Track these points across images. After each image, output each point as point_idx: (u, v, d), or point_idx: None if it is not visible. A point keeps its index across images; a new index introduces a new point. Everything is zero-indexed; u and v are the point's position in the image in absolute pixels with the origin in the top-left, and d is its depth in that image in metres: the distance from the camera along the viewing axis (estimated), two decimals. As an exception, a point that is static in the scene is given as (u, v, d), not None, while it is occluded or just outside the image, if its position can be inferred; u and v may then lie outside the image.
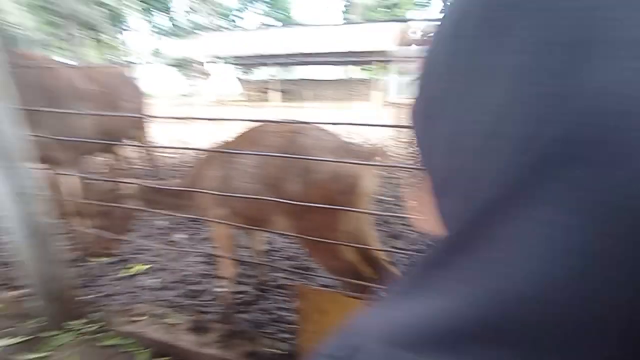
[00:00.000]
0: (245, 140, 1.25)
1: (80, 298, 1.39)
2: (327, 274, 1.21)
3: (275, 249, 2.08)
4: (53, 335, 1.27)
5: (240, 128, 1.31)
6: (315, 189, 1.03)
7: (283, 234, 1.10)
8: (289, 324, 1.36)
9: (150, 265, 1.84)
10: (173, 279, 1.71)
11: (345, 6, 34.11)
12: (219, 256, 1.23)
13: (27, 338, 1.27)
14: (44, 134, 1.29)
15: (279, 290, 1.64)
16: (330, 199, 1.02)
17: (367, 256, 1.20)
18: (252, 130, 1.27)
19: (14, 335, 1.28)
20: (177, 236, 2.24)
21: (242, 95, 25.23)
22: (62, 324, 1.31)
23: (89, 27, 17.61)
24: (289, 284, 1.68)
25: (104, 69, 2.26)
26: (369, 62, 24.16)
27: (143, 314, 1.30)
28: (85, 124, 1.65)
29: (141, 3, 22.68)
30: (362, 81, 23.18)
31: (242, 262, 1.72)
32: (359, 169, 1.08)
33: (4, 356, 1.20)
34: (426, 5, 32.46)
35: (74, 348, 1.22)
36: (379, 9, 28.89)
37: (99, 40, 19.17)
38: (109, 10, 19.71)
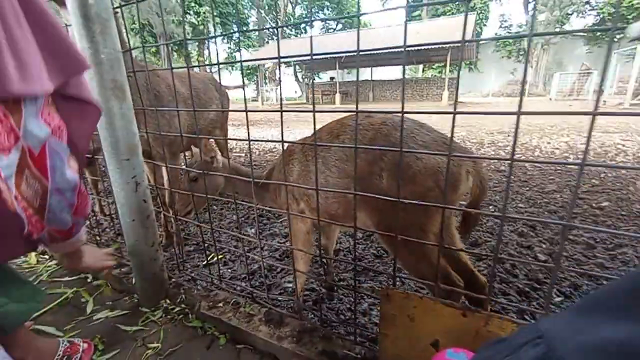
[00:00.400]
0: (330, 132, 1.21)
1: (170, 281, 1.52)
2: (412, 278, 1.12)
3: (342, 248, 2.04)
4: (145, 312, 1.41)
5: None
6: (410, 185, 0.96)
7: (361, 231, 1.05)
8: (362, 326, 1.30)
9: (224, 256, 1.95)
10: (245, 270, 1.77)
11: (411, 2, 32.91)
12: (293, 250, 1.22)
13: (125, 312, 1.43)
14: (148, 131, 1.45)
15: (348, 290, 1.58)
16: (425, 196, 0.94)
17: (456, 261, 1.07)
18: (336, 122, 1.23)
19: (114, 309, 1.46)
20: (248, 230, 2.35)
21: (304, 97, 26.02)
22: (154, 303, 1.44)
23: (178, 43, 20.38)
24: (360, 285, 1.62)
25: (194, 74, 2.48)
26: (436, 60, 22.93)
27: (221, 301, 1.36)
28: (180, 122, 1.82)
29: (219, 18, 25.19)
30: (429, 80, 22.06)
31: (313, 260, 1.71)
32: (463, 164, 0.97)
33: (107, 324, 1.36)
34: (503, -5, 29.57)
35: (162, 326, 1.33)
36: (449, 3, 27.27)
37: (184, 53, 21.69)
38: (192, 27, 22.30)
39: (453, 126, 0.74)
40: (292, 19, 33.20)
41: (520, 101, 0.64)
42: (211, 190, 1.52)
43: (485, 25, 29.30)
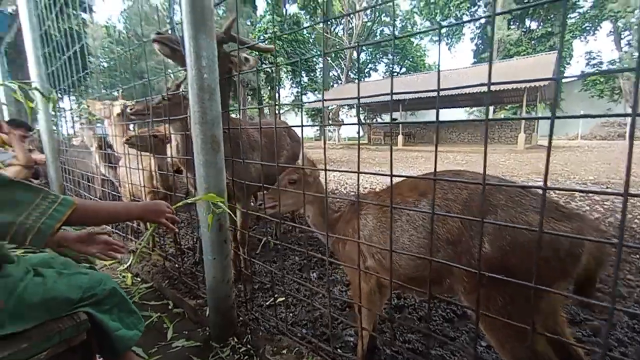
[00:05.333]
0: (414, 189, 1.13)
1: (238, 318, 1.60)
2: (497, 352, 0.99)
3: (406, 304, 1.91)
4: (215, 347, 1.49)
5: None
6: (520, 255, 0.84)
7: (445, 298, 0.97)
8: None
9: (286, 298, 1.99)
10: (307, 316, 1.77)
11: (478, 45, 32.39)
12: (357, 305, 1.19)
13: (198, 344, 1.54)
14: (229, 176, 1.65)
15: (412, 352, 1.46)
16: (537, 270, 0.82)
17: (559, 347, 0.92)
18: (421, 178, 1.17)
19: (190, 339, 1.58)
20: (311, 274, 2.37)
21: (365, 137, 26.48)
22: (223, 339, 1.52)
23: (252, 88, 23.40)
24: (427, 349, 1.48)
25: (270, 122, 2.77)
26: (508, 102, 21.61)
27: (285, 347, 1.37)
28: (255, 169, 2.03)
29: (290, 66, 28.10)
30: (500, 122, 20.71)
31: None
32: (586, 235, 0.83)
33: (183, 353, 1.47)
34: (589, 31, 27.32)
35: (228, 364, 1.39)
36: (524, 41, 26.11)
37: (259, 98, 24.41)
38: (266, 74, 25.12)
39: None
40: (356, 64, 35.22)
41: (627, 182, 0.58)
42: (298, 201, 1.42)
43: (568, 64, 27.03)
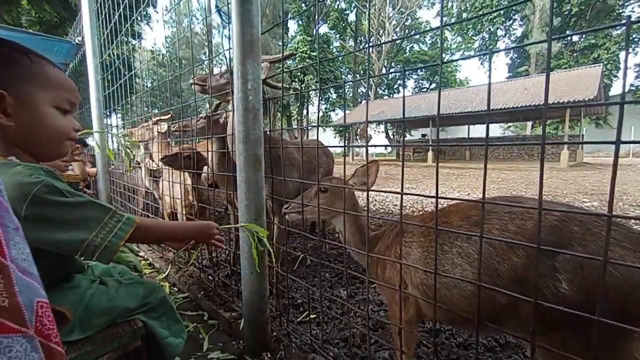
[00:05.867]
0: (465, 218, 1.04)
1: (272, 333, 1.61)
2: None
3: (443, 329, 1.82)
4: (249, 361, 1.51)
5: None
6: (604, 294, 0.73)
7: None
8: None
9: (317, 315, 1.97)
10: (338, 335, 1.74)
11: (513, 59, 31.33)
12: (393, 325, 1.15)
13: (232, 357, 1.56)
14: (268, 193, 1.70)
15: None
16: (620, 314, 0.72)
17: None
18: (473, 205, 1.08)
19: (224, 351, 1.60)
20: (341, 291, 2.34)
21: (393, 153, 26.18)
22: (257, 354, 1.54)
23: (283, 105, 24.43)
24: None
25: (307, 141, 2.86)
26: (549, 117, 20.52)
27: (317, 367, 1.36)
28: (292, 185, 2.10)
29: (319, 83, 28.82)
30: (539, 138, 19.63)
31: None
32: None
33: (217, 366, 1.50)
34: (638, 42, 25.59)
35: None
36: (566, 54, 24.89)
37: (288, 115, 25.13)
38: (295, 92, 26.03)
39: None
40: (385, 80, 35.35)
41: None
42: (328, 212, 1.39)
43: (615, 76, 25.30)
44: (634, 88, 24.62)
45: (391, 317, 1.21)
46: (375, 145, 1.06)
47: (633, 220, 4.14)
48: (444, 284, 0.99)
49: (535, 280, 0.72)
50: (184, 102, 2.34)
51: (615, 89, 26.13)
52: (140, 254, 3.08)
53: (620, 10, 24.28)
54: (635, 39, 25.59)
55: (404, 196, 0.91)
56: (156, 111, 3.36)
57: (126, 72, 2.95)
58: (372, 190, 1.08)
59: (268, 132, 1.78)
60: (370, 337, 1.70)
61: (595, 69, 15.21)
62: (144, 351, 0.94)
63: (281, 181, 2.11)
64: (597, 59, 24.04)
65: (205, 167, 2.45)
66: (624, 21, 0.56)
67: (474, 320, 0.84)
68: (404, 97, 1.00)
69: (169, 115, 3.14)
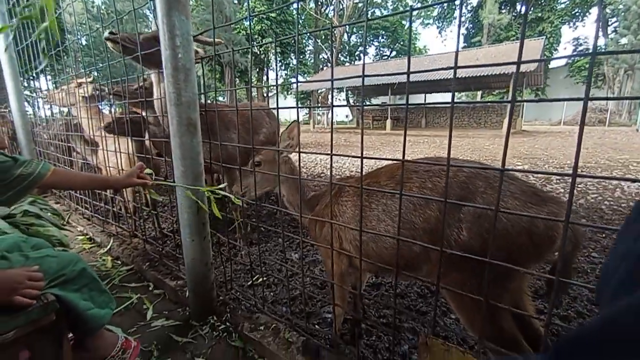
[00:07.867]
0: (391, 177, 1.12)
1: (217, 298, 1.63)
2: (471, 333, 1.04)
3: (384, 282, 1.99)
4: (195, 326, 1.53)
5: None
6: (496, 241, 0.83)
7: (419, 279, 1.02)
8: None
9: (268, 278, 2.03)
10: (287, 295, 1.82)
11: (469, 29, 32.18)
12: (331, 283, 1.23)
13: (177, 323, 1.57)
14: (207, 156, 1.64)
15: (386, 328, 1.54)
16: (512, 254, 0.84)
17: (525, 326, 0.98)
18: (399, 166, 1.12)
19: (169, 318, 1.61)
20: (292, 255, 2.42)
21: (354, 122, 26.41)
22: (203, 318, 1.56)
23: (240, 70, 22.91)
24: (400, 323, 1.56)
25: (246, 104, 2.75)
26: (496, 87, 21.81)
27: (262, 324, 1.42)
28: (234, 148, 2.04)
29: (279, 48, 27.38)
30: (487, 107, 20.95)
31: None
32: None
33: (162, 333, 1.50)
34: (578, 17, 27.44)
35: (209, 341, 1.43)
36: (515, 26, 26.05)
37: (245, 80, 23.84)
38: (255, 56, 24.49)
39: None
40: (347, 47, 34.60)
41: (576, 165, 0.62)
42: (267, 182, 1.50)
43: (555, 49, 27.22)
44: (570, 61, 26.77)
45: (327, 273, 1.28)
46: (309, 107, 1.05)
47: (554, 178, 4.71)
48: (371, 237, 1.07)
49: (442, 230, 0.80)
50: (112, 60, 2.06)
51: (555, 63, 28.23)
52: (79, 228, 2.86)
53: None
54: (576, 14, 27.42)
55: (355, 162, 0.93)
56: (96, 74, 2.95)
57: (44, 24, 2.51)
58: (304, 152, 1.09)
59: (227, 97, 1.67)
60: (315, 295, 1.80)
61: (539, 42, 16.22)
62: (63, 325, 0.90)
63: (222, 146, 2.03)
64: (542, 32, 25.54)
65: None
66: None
67: (394, 269, 0.94)
68: (363, 64, 0.99)
69: (92, 78, 2.76)
